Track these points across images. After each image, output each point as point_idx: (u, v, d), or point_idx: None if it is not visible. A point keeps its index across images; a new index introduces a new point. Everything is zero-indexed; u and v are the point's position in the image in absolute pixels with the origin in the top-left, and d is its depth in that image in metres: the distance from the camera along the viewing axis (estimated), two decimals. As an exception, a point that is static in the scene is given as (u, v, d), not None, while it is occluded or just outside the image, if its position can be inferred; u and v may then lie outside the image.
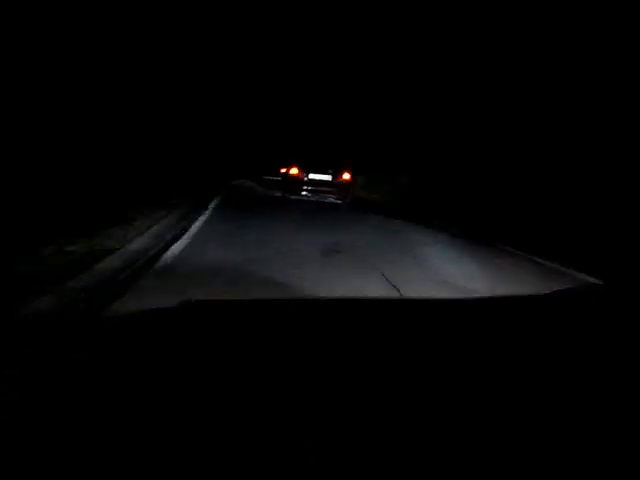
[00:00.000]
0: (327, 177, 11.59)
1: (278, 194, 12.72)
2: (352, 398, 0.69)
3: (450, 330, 1.02)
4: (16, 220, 4.76)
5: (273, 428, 0.61)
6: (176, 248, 4.84)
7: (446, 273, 4.82)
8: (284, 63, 20.04)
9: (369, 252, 5.56)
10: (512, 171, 10.52)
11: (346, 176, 11.73)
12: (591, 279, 5.07)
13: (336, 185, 11.64)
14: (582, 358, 0.87)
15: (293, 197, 11.80)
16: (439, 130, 14.03)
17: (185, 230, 5.95)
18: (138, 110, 11.55)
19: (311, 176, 11.55)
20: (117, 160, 9.70)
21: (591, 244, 6.28)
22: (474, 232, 7.99)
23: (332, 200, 11.74)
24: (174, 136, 14.85)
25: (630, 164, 8.07)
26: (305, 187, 11.64)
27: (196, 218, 7.01)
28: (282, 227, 7.06)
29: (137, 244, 4.87)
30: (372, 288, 3.98)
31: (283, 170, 12.79)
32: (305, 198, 11.74)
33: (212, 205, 9.02)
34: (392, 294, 3.84)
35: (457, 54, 13.00)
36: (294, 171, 11.64)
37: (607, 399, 0.72)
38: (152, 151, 12.39)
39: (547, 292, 1.28)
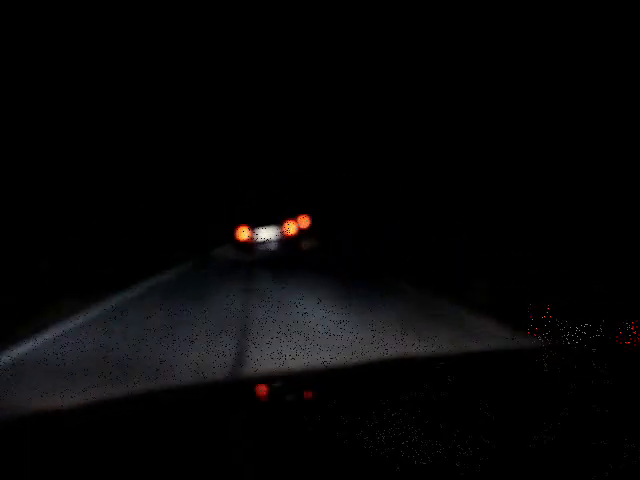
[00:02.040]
0: (276, 230, 10.55)
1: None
2: None
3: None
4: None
5: None
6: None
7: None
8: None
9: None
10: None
11: (303, 223, 10.70)
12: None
13: (289, 237, 10.61)
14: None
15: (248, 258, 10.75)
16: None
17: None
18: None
19: (259, 232, 10.54)
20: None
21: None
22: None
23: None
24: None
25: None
26: (255, 246, 10.60)
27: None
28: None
29: None
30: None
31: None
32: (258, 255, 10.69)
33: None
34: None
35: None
36: (242, 230, 10.64)
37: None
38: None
39: None
